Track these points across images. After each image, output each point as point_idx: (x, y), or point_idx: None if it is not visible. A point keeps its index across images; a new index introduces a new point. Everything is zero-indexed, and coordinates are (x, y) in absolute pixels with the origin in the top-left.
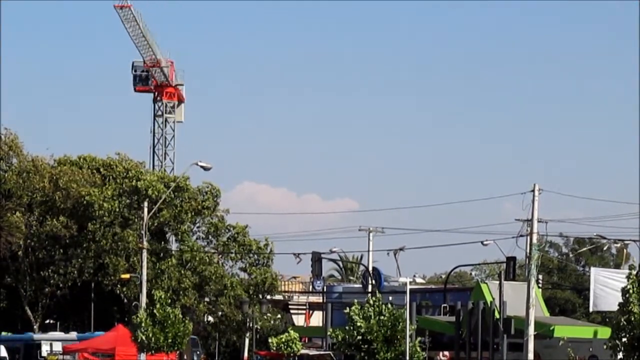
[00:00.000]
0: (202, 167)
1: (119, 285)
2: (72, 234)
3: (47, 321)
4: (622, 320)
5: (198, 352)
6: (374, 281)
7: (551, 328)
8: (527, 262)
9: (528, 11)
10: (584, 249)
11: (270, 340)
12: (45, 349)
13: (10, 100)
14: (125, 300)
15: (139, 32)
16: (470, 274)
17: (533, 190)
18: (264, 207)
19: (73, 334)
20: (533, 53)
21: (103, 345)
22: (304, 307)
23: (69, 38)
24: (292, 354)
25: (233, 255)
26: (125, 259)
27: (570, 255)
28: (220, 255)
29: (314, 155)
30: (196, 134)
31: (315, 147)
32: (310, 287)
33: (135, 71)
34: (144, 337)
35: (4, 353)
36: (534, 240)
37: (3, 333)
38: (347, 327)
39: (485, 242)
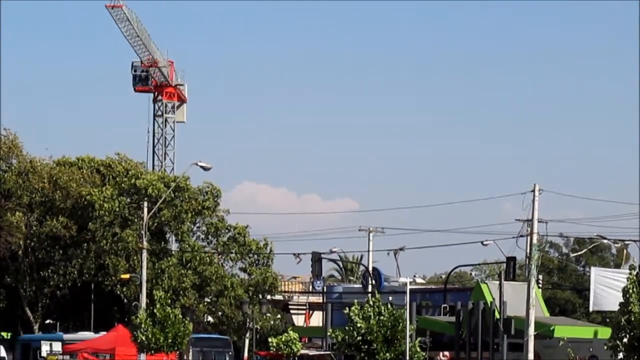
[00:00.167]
0: (202, 167)
1: (119, 286)
2: (72, 234)
3: (47, 321)
4: (623, 320)
5: (230, 353)
6: (374, 281)
7: (551, 328)
8: (527, 262)
9: (528, 11)
10: (584, 250)
11: (270, 340)
12: (45, 349)
13: (10, 100)
14: (125, 301)
15: (132, 32)
16: (470, 274)
17: (533, 191)
18: (264, 207)
19: (60, 334)
20: (533, 53)
21: (103, 345)
22: (304, 307)
23: (68, 38)
24: (292, 354)
25: (233, 255)
26: (125, 259)
27: (571, 256)
28: (220, 256)
29: (314, 155)
30: (196, 134)
31: (315, 147)
32: (310, 287)
33: (135, 71)
34: (144, 337)
35: (4, 353)
36: (534, 241)
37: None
38: (347, 328)
39: (485, 242)
